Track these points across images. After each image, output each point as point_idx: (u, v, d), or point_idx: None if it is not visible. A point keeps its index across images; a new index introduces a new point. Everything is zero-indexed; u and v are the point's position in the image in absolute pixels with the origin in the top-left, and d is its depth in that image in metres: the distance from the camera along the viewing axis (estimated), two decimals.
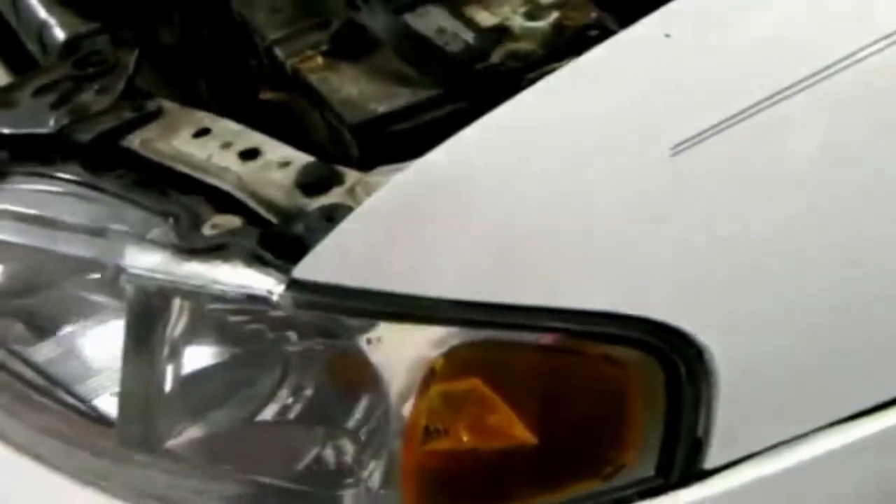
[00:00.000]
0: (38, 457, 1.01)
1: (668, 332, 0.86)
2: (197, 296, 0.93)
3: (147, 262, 0.94)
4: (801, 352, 0.91)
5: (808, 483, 0.94)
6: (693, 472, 0.91)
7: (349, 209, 0.89)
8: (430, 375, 0.86)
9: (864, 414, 0.93)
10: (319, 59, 1.08)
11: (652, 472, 0.90)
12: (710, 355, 0.87)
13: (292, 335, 0.92)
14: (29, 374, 1.06)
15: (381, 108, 1.01)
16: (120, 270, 0.96)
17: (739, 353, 0.88)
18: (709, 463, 0.90)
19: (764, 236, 0.87)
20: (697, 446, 0.90)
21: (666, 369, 0.87)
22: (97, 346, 1.06)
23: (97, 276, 1.03)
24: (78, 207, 1.02)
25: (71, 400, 1.04)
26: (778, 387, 0.91)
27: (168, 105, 1.08)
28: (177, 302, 0.94)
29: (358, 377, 0.89)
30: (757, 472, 0.92)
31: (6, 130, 1.11)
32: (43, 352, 1.07)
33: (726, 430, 0.90)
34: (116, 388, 0.98)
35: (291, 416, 0.95)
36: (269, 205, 0.94)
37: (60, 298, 1.08)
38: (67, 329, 1.08)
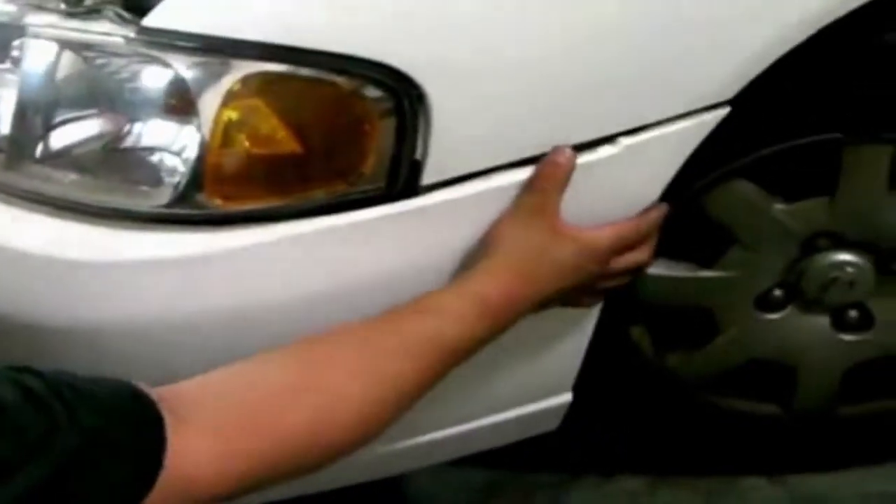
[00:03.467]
0: None
1: (400, 77, 1.20)
2: (77, 45, 1.27)
3: (43, 20, 1.29)
4: (500, 105, 1.25)
5: (486, 207, 1.29)
6: (412, 187, 1.25)
7: None
8: (229, 96, 1.21)
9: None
10: None
11: (383, 184, 1.25)
12: (428, 98, 1.22)
13: (139, 73, 1.27)
14: None
15: None
16: (24, 29, 1.31)
17: (451, 100, 1.23)
18: (424, 181, 1.25)
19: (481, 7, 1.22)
20: (416, 167, 1.24)
21: (396, 105, 1.22)
22: None
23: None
24: None
25: None
26: (477, 130, 1.25)
27: None
28: (62, 51, 1.27)
29: (180, 103, 1.24)
30: (458, 192, 1.28)
31: None
32: None
33: (437, 157, 1.24)
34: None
35: (135, 142, 1.28)
36: None
37: None
38: None
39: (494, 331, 1.24)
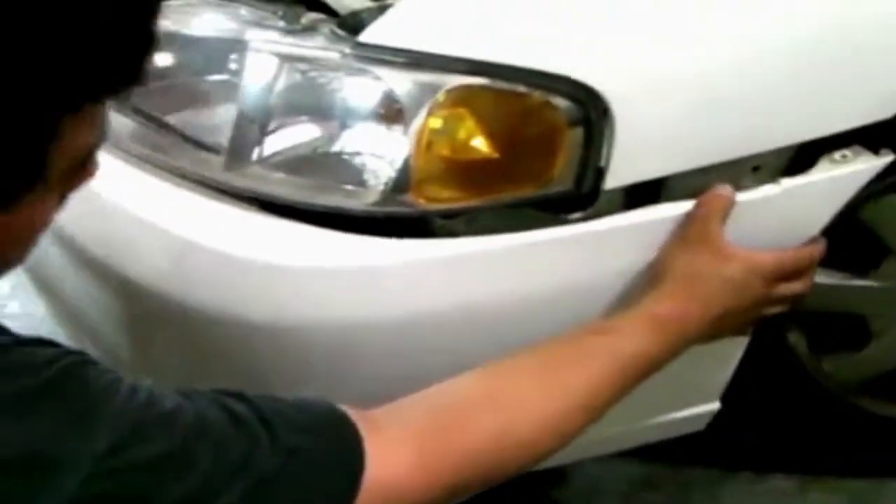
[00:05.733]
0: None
1: (588, 91, 1.33)
2: (295, 59, 1.41)
3: (262, 36, 1.44)
4: (677, 117, 1.37)
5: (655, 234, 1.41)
6: (596, 191, 1.38)
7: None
8: (434, 106, 1.34)
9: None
10: None
11: (571, 187, 1.37)
12: (612, 110, 1.34)
13: (352, 85, 1.41)
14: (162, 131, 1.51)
15: None
16: (244, 43, 1.46)
17: (633, 113, 1.34)
18: (607, 185, 1.37)
19: (663, 27, 1.35)
20: (600, 172, 1.37)
21: (584, 116, 1.34)
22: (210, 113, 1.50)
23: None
24: (215, 11, 1.53)
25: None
26: (656, 140, 1.37)
27: None
28: (280, 64, 1.41)
29: (389, 112, 1.38)
30: (630, 220, 1.41)
31: None
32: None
33: (619, 164, 1.36)
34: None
35: (344, 147, 1.42)
36: (346, 8, 1.45)
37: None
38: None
39: (669, 348, 1.32)
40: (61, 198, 0.95)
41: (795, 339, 1.74)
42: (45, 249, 1.43)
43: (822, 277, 1.62)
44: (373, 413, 1.11)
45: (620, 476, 1.94)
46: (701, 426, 1.71)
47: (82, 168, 0.93)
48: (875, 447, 1.88)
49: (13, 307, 2.30)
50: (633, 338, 1.28)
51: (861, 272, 1.68)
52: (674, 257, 1.37)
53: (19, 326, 0.95)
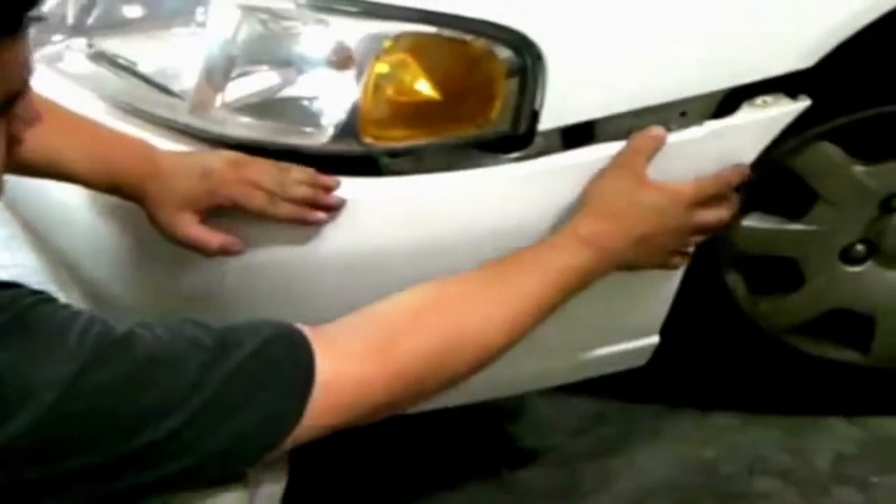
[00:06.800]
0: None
1: (524, 39, 1.43)
2: (256, 10, 1.50)
3: None
4: (605, 66, 1.47)
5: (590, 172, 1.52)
6: (531, 132, 1.48)
7: None
8: (382, 52, 1.45)
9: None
10: None
11: (507, 128, 1.48)
12: (545, 57, 1.44)
13: (307, 33, 1.52)
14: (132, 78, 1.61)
15: None
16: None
17: (564, 61, 1.45)
18: (542, 127, 1.48)
19: None
20: (535, 115, 1.47)
21: (520, 63, 1.45)
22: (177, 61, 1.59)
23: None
24: None
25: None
26: (585, 86, 1.48)
27: None
28: (242, 15, 1.51)
29: (341, 58, 1.50)
30: (568, 160, 1.52)
31: None
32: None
33: (552, 107, 1.47)
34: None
35: (300, 91, 1.53)
36: None
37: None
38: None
39: (598, 262, 1.42)
40: (8, 145, 1.02)
41: (733, 280, 1.83)
42: (48, 195, 1.57)
43: (758, 221, 1.75)
44: (324, 326, 1.21)
45: (572, 412, 2.04)
46: (643, 361, 1.80)
47: (11, 113, 1.00)
48: (810, 385, 1.99)
49: (4, 258, 2.38)
50: (563, 251, 1.40)
51: (792, 217, 1.77)
52: (598, 183, 1.48)
53: (9, 276, 1.05)
